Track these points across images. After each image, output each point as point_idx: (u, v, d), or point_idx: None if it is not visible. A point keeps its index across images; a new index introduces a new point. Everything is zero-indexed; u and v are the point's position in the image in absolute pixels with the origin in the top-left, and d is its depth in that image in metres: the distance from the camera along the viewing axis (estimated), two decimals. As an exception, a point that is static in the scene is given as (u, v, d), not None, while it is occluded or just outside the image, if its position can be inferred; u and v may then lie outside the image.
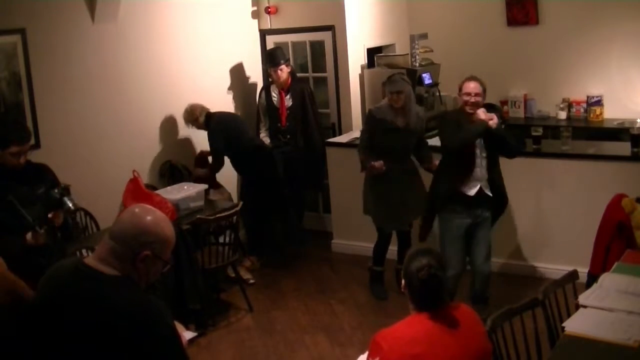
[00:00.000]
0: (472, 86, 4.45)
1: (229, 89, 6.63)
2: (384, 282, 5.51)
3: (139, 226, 2.14)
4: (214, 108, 6.02)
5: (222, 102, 6.44)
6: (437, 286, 2.62)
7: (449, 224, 4.63)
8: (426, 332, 2.59)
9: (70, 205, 3.86)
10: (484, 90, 4.48)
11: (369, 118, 5.21)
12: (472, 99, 4.44)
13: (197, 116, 5.89)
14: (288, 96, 6.35)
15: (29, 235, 3.73)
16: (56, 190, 3.89)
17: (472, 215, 4.59)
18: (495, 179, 4.59)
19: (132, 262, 2.12)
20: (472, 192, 4.53)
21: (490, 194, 4.57)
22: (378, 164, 5.01)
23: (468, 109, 4.46)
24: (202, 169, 6.05)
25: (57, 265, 2.25)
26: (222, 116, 6.05)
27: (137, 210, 2.20)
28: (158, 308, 2.12)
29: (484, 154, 4.51)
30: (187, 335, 2.53)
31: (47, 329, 2.13)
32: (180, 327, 2.50)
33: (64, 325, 2.09)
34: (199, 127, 5.95)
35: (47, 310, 2.14)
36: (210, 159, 6.07)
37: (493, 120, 4.37)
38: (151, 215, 2.17)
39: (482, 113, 4.39)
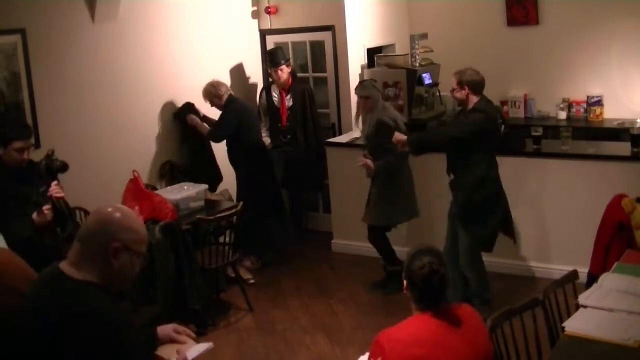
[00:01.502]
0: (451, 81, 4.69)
1: (230, 89, 6.63)
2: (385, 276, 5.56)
3: (104, 220, 2.13)
4: (213, 108, 6.03)
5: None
6: (439, 282, 2.62)
7: None
8: (429, 332, 2.58)
9: (58, 163, 3.94)
10: (462, 83, 4.57)
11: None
12: (451, 94, 4.71)
13: (222, 94, 5.85)
14: (288, 96, 6.36)
15: (35, 215, 3.82)
16: (42, 162, 3.95)
17: (453, 199, 4.79)
18: (458, 178, 4.69)
19: (104, 259, 2.09)
20: (449, 179, 4.79)
21: (452, 182, 4.73)
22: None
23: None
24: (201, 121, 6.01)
25: (40, 274, 2.24)
26: (243, 103, 6.12)
27: (106, 208, 2.18)
28: (113, 318, 2.07)
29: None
30: (192, 353, 2.46)
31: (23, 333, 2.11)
32: (190, 342, 2.45)
33: (29, 331, 2.08)
34: (216, 105, 5.90)
35: (26, 314, 2.13)
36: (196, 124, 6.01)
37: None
38: (120, 211, 2.17)
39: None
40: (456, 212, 4.74)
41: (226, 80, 6.59)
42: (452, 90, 4.66)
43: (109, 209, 2.17)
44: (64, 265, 2.13)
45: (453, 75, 4.65)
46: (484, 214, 4.64)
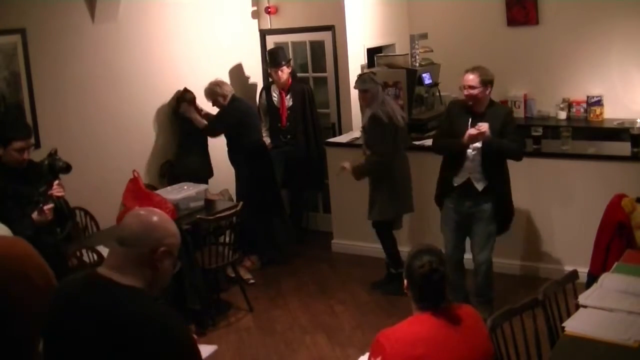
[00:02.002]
0: (467, 78, 4.53)
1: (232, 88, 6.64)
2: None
3: (149, 224, 2.11)
4: (214, 108, 6.02)
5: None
6: (439, 281, 2.62)
7: (442, 213, 4.84)
8: (429, 332, 2.58)
9: (62, 164, 3.94)
10: (485, 82, 4.49)
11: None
12: (466, 92, 4.54)
13: (227, 93, 5.83)
14: (288, 96, 6.36)
15: (35, 214, 3.83)
16: (45, 161, 3.96)
17: (459, 206, 4.69)
18: (495, 184, 4.58)
19: (150, 262, 2.07)
20: (458, 182, 4.65)
21: (480, 189, 4.58)
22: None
23: (467, 100, 4.58)
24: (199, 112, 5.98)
25: (67, 279, 2.19)
26: (247, 103, 6.14)
27: (141, 212, 2.17)
28: (171, 320, 2.06)
29: (477, 150, 4.54)
30: (205, 350, 2.46)
31: (59, 344, 2.06)
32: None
33: (77, 338, 2.02)
34: (219, 104, 5.87)
35: (58, 324, 2.07)
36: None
37: (478, 136, 4.42)
38: (156, 214, 2.16)
39: (473, 130, 4.44)
40: (482, 213, 4.64)
41: (226, 80, 6.59)
42: (471, 88, 4.47)
43: (147, 213, 2.16)
44: (104, 270, 2.08)
45: (470, 73, 4.50)
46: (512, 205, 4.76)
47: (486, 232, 4.68)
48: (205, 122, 5.95)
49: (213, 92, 5.86)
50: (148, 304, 2.05)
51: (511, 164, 5.06)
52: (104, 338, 1.98)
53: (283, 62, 6.22)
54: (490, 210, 4.62)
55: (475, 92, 4.48)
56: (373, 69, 6.41)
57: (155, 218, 2.14)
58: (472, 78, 4.48)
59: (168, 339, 2.01)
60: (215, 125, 5.94)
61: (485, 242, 4.71)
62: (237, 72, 6.77)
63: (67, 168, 4.00)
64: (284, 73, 6.24)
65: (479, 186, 4.58)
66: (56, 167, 3.96)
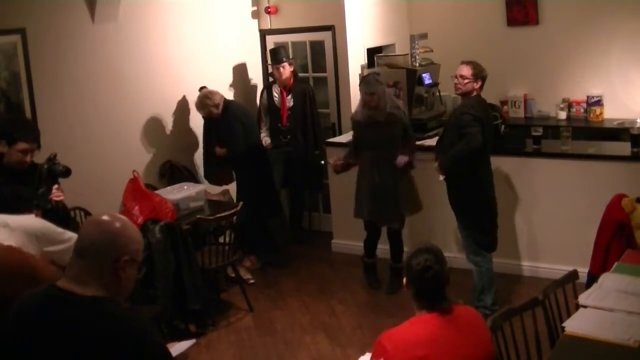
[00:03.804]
0: (458, 68, 4.66)
1: (230, 89, 6.64)
2: (377, 272, 5.61)
3: (111, 233, 2.02)
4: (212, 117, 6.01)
5: (222, 102, 6.43)
6: (433, 279, 2.63)
7: None
8: (431, 333, 2.58)
9: (61, 168, 3.94)
10: (477, 76, 4.60)
11: (353, 125, 5.45)
12: (456, 80, 4.68)
13: (218, 102, 5.76)
14: (290, 96, 6.35)
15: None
16: (45, 165, 3.95)
17: None
18: (452, 180, 4.78)
19: (112, 272, 2.00)
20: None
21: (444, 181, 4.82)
22: (333, 160, 5.49)
23: (455, 90, 4.80)
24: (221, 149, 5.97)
25: (25, 296, 2.09)
26: (239, 104, 6.12)
27: (101, 218, 2.07)
28: (141, 325, 2.01)
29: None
30: (181, 347, 2.47)
31: None
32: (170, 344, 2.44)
33: (46, 356, 1.96)
34: (213, 115, 5.78)
35: (19, 343, 2.00)
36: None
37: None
38: (118, 220, 2.06)
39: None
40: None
41: (226, 80, 6.61)
42: (462, 78, 4.61)
43: (107, 219, 2.06)
44: (64, 284, 2.01)
45: (465, 65, 4.63)
46: None
47: (461, 233, 4.84)
48: (223, 150, 5.91)
49: (204, 104, 5.76)
50: (114, 312, 1.99)
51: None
52: (75, 352, 1.92)
53: (284, 59, 6.21)
54: (455, 212, 4.80)
55: (464, 83, 4.62)
56: (374, 69, 6.42)
57: (116, 224, 2.05)
58: (464, 69, 4.62)
59: (140, 343, 1.96)
60: (236, 145, 5.85)
61: (463, 243, 4.83)
62: (237, 72, 6.77)
63: (67, 172, 3.98)
64: (286, 70, 6.22)
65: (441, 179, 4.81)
66: (56, 172, 3.94)
